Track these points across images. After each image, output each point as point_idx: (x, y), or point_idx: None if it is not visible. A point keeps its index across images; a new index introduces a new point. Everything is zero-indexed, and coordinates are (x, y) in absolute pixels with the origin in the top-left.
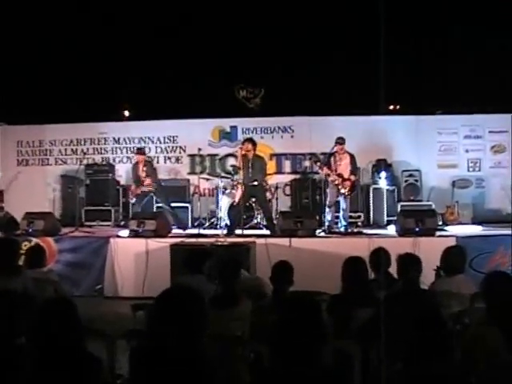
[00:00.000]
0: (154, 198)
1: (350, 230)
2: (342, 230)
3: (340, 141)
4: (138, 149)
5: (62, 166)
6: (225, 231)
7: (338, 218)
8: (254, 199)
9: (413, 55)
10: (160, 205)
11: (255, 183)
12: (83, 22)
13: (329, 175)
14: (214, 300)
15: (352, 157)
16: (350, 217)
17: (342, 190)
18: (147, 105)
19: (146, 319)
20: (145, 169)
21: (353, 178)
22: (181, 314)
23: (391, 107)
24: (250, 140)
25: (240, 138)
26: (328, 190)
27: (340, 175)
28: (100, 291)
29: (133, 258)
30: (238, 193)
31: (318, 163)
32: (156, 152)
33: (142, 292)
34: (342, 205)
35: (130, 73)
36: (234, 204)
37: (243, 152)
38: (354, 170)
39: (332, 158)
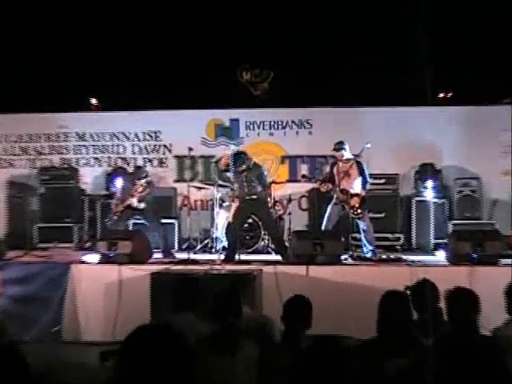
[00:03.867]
0: (140, 215)
1: (386, 255)
2: (369, 256)
3: (338, 147)
4: (139, 168)
5: (8, 168)
6: (222, 256)
7: (361, 241)
8: (254, 217)
9: (468, 27)
10: (142, 221)
11: (254, 197)
12: None
13: (330, 191)
14: (211, 343)
15: (359, 165)
16: (386, 239)
17: (350, 211)
18: (121, 91)
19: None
20: (141, 191)
21: (362, 192)
22: (156, 360)
23: (441, 95)
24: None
25: (243, 135)
26: (328, 210)
27: (344, 191)
28: (58, 334)
29: (102, 290)
30: (234, 207)
31: (314, 180)
32: (133, 152)
33: (112, 335)
34: (362, 226)
35: (99, 49)
36: (233, 219)
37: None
38: (364, 182)
39: (334, 170)
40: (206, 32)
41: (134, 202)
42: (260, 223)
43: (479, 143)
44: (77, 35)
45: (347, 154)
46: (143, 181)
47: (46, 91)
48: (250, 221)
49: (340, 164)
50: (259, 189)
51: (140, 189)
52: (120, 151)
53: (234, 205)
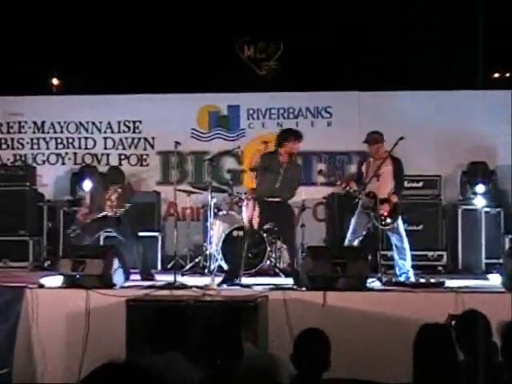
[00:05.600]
0: (114, 228)
1: (424, 279)
2: (402, 278)
3: (373, 138)
4: (114, 169)
5: None
6: (218, 278)
7: (392, 260)
8: (270, 225)
9: None
10: (114, 234)
11: (277, 199)
12: None
13: (353, 192)
14: None
15: (396, 164)
16: (425, 257)
17: (378, 221)
18: (91, 69)
19: None
20: (117, 194)
21: (394, 198)
22: None
23: (496, 75)
24: (294, 134)
25: (244, 126)
26: (353, 220)
27: (371, 194)
28: (6, 378)
29: (64, 321)
30: (249, 212)
31: (334, 178)
32: (105, 147)
33: (78, 379)
34: (394, 240)
35: (62, 16)
36: (236, 233)
37: (285, 150)
38: (399, 186)
39: (363, 167)
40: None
41: (106, 213)
42: (266, 236)
43: None
44: (38, 10)
45: (383, 149)
46: (119, 185)
47: None
48: (256, 233)
49: (371, 160)
50: (288, 192)
51: (114, 196)
52: (89, 145)
53: (234, 213)
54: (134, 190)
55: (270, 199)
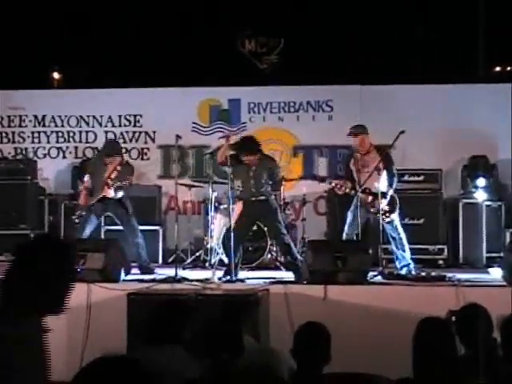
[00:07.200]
0: (114, 210)
1: (425, 272)
2: (403, 272)
3: (355, 131)
4: (112, 142)
5: None
6: (219, 272)
7: (392, 253)
8: (260, 223)
9: None
10: (115, 228)
11: (262, 197)
12: None
13: (350, 191)
14: None
15: (384, 155)
16: (426, 251)
17: (378, 216)
18: (91, 63)
19: None
20: (116, 173)
21: (390, 190)
22: None
23: (498, 69)
24: (250, 142)
25: (245, 120)
26: (349, 214)
27: (367, 190)
28: None
29: (65, 315)
30: (237, 211)
31: (333, 182)
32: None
33: None
34: (391, 233)
35: (62, 9)
36: (235, 228)
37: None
38: (391, 178)
39: (351, 163)
40: None
41: (110, 192)
42: (266, 231)
43: None
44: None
45: (368, 141)
46: (118, 158)
47: None
48: (255, 228)
49: (358, 156)
50: (268, 188)
51: (114, 174)
52: (90, 139)
53: (235, 206)
54: (133, 170)
55: (253, 198)
